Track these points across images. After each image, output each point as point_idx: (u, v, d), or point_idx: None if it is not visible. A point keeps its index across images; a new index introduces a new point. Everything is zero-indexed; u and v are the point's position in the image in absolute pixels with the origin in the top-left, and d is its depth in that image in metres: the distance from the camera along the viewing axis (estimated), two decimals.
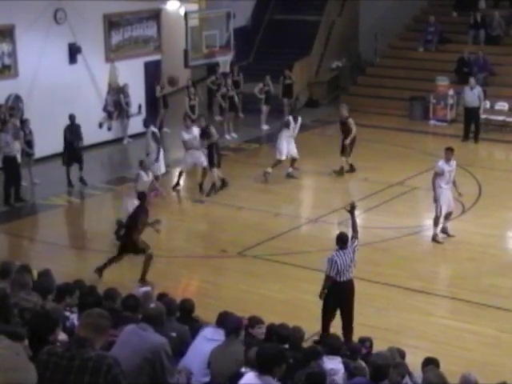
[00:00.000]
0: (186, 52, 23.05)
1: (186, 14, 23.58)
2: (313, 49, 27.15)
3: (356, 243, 10.75)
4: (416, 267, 13.40)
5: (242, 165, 19.63)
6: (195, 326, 8.45)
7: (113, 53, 22.01)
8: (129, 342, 6.45)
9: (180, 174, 18.20)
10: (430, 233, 15.52)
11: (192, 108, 21.75)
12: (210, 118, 24.69)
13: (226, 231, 15.83)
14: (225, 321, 8.05)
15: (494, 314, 11.96)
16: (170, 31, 24.41)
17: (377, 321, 11.55)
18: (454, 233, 15.02)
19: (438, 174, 14.58)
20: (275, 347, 6.34)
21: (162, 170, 17.62)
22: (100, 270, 12.91)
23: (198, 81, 24.25)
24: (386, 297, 12.56)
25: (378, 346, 9.31)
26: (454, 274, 13.71)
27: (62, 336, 6.27)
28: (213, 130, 17.72)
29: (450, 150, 14.76)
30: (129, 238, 12.93)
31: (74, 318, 7.73)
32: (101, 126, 21.62)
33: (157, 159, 17.33)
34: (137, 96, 22.35)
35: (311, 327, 10.46)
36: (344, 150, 18.78)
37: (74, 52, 20.67)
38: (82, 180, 18.29)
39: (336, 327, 10.65)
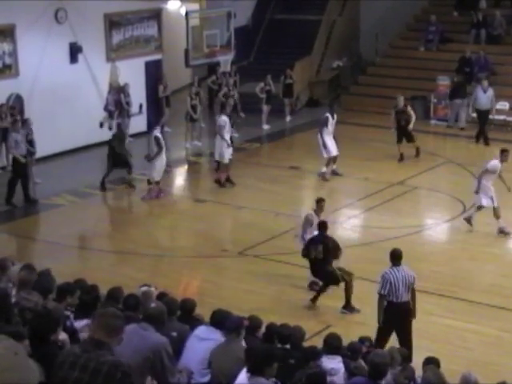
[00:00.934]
0: (186, 51, 23.06)
1: (186, 13, 23.60)
2: (313, 48, 27.15)
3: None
4: (417, 267, 13.30)
5: (242, 164, 19.62)
6: (196, 326, 8.45)
7: (114, 52, 22.02)
8: (130, 342, 6.43)
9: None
10: (431, 232, 15.59)
11: (194, 107, 21.75)
12: (211, 118, 24.76)
13: (226, 231, 15.85)
14: (220, 319, 8.07)
15: (495, 314, 11.96)
16: (171, 31, 24.42)
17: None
18: (454, 233, 15.02)
19: (490, 172, 14.87)
20: (265, 347, 6.35)
21: (157, 177, 17.33)
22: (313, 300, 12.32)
23: (198, 80, 24.18)
24: None
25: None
26: (455, 273, 13.69)
27: (63, 336, 6.27)
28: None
29: (507, 152, 15.03)
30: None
31: (72, 317, 7.72)
32: (101, 125, 21.61)
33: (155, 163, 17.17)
34: (137, 95, 22.35)
35: (311, 327, 10.46)
36: (411, 136, 19.98)
37: (74, 51, 20.67)
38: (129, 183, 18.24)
39: (339, 326, 10.64)
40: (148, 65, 23.04)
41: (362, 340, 9.04)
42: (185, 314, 8.64)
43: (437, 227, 16.06)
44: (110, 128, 21.85)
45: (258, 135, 22.96)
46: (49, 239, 15.38)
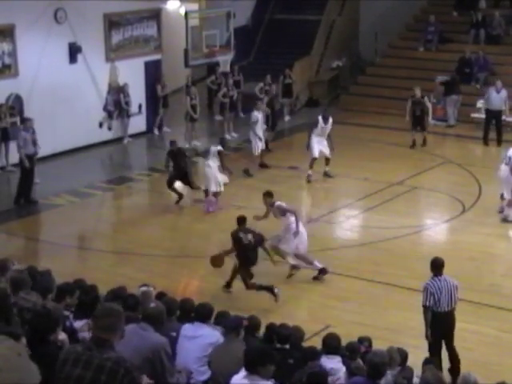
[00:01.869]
0: (186, 51, 23.04)
1: (186, 13, 23.57)
2: (313, 48, 27.15)
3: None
4: (416, 267, 13.37)
5: (242, 164, 19.61)
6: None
7: (113, 52, 22.01)
8: (129, 342, 6.43)
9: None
10: (430, 232, 15.59)
11: (193, 107, 21.75)
12: (210, 118, 24.76)
13: (226, 231, 15.81)
14: (205, 313, 8.16)
15: (494, 314, 11.97)
16: (171, 31, 24.40)
17: (377, 320, 11.56)
18: (454, 232, 15.01)
19: None
20: (261, 347, 6.35)
21: (214, 188, 16.73)
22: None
23: (198, 80, 24.25)
24: (386, 296, 12.56)
25: (379, 346, 9.28)
26: (455, 273, 13.51)
27: (62, 336, 6.27)
28: None
29: None
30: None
31: (72, 317, 7.73)
32: (101, 125, 21.63)
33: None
34: (137, 96, 22.36)
35: (311, 327, 10.46)
36: (425, 126, 21.26)
37: (74, 51, 20.66)
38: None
39: (338, 326, 10.64)
40: (147, 65, 23.03)
41: (361, 340, 9.04)
42: (184, 314, 8.65)
43: (436, 227, 16.06)
44: (110, 128, 21.89)
45: None
46: (48, 239, 15.38)
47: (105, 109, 21.76)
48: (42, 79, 19.81)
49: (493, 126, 21.64)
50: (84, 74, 21.19)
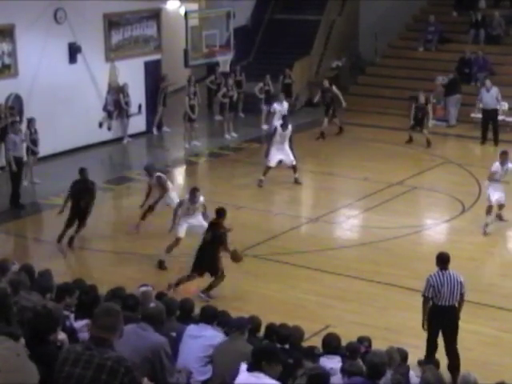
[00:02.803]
0: (186, 51, 23.05)
1: (186, 13, 23.59)
2: (313, 48, 27.14)
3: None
4: (416, 267, 13.38)
5: (242, 164, 19.63)
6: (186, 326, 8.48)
7: (113, 52, 22.01)
8: (128, 342, 6.44)
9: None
10: (430, 232, 15.59)
11: (192, 107, 21.74)
12: (210, 118, 24.77)
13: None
14: (210, 314, 8.16)
15: (493, 314, 11.98)
16: (170, 31, 24.41)
17: (377, 320, 11.56)
18: (454, 232, 15.01)
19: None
20: (269, 345, 6.34)
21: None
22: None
23: (198, 80, 24.22)
24: (386, 296, 12.56)
25: (378, 346, 9.27)
26: None
27: (62, 336, 6.27)
28: None
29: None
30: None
31: (71, 317, 7.73)
32: (101, 125, 21.64)
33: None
34: (137, 96, 22.37)
35: (311, 327, 10.46)
36: (424, 125, 21.59)
37: (73, 51, 20.66)
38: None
39: (338, 326, 10.64)
40: (147, 65, 23.03)
41: (361, 340, 9.04)
42: (184, 314, 8.66)
43: (436, 227, 16.07)
44: (109, 128, 21.90)
45: (258, 135, 22.94)
46: (48, 239, 15.37)
47: (104, 109, 21.77)
48: (41, 79, 19.81)
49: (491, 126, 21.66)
50: (84, 74, 21.19)
